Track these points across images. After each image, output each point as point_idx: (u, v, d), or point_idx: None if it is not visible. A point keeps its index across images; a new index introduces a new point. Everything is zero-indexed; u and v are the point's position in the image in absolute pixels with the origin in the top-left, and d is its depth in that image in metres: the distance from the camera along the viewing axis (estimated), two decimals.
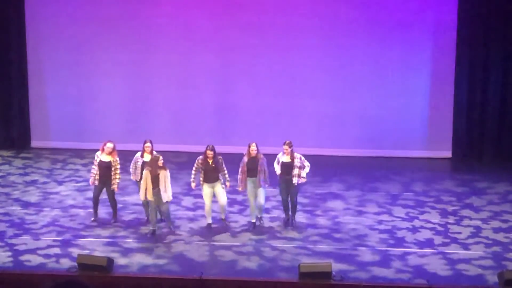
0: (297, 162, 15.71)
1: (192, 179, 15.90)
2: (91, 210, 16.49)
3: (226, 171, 15.78)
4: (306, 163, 15.78)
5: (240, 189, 15.83)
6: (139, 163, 15.98)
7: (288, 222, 16.09)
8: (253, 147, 15.58)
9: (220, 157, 15.78)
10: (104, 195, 16.14)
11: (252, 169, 15.50)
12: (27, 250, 14.68)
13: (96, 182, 16.04)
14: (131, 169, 16.21)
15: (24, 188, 18.32)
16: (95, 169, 16.05)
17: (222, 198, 15.72)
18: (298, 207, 16.30)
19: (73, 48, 21.40)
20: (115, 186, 15.99)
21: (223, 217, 15.96)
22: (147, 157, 16.01)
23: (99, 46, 21.31)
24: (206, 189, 15.66)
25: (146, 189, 15.25)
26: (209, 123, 21.46)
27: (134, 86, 21.50)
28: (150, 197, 15.21)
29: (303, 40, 21.11)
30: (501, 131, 20.88)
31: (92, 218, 16.25)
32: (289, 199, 15.93)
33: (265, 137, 19.90)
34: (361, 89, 21.18)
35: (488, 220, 16.59)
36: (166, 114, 21.45)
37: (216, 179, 15.64)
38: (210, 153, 15.57)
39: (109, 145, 16.01)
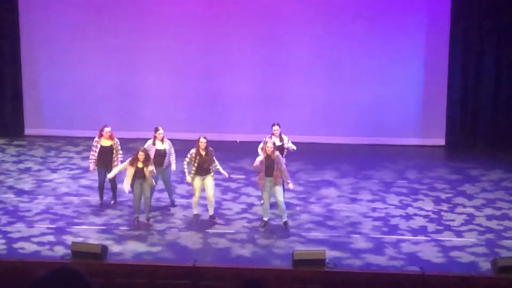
0: (285, 144, 16.05)
1: (187, 174, 15.50)
2: (87, 197, 16.68)
3: (217, 162, 15.55)
4: (291, 144, 16.05)
5: (259, 182, 15.21)
6: (152, 151, 15.95)
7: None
8: (270, 145, 15.03)
9: (211, 148, 15.59)
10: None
11: (269, 167, 14.99)
12: (20, 238, 14.68)
13: (97, 168, 16.24)
14: None
15: (18, 176, 18.30)
16: (94, 155, 16.19)
17: (211, 191, 15.42)
18: (292, 193, 16.31)
19: (66, 35, 21.35)
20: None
21: (211, 212, 15.64)
22: (159, 144, 16.09)
23: (92, 33, 21.26)
24: (197, 181, 15.39)
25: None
26: (202, 111, 21.43)
27: (128, 73, 21.45)
28: (128, 188, 15.28)
29: (296, 28, 21.07)
30: (494, 119, 20.90)
31: (100, 202, 16.47)
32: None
33: (258, 125, 19.92)
34: (355, 77, 21.16)
35: (481, 208, 16.62)
36: (159, 101, 21.41)
37: (208, 171, 15.37)
38: (203, 142, 15.32)
39: (107, 129, 16.21)
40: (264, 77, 21.30)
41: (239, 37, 21.18)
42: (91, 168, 16.42)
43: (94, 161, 16.21)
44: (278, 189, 15.03)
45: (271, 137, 15.87)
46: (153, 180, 15.34)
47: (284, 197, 15.37)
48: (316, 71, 21.21)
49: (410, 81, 21.16)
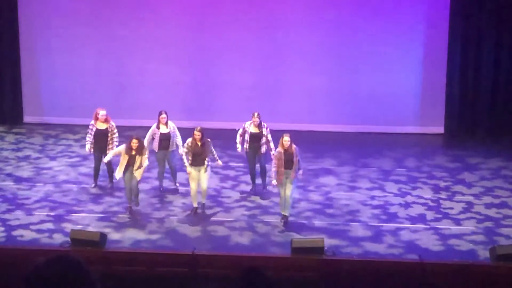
0: (264, 132, 16.20)
1: (186, 164, 15.41)
2: (86, 185, 16.75)
3: (215, 152, 15.54)
4: (270, 137, 16.21)
5: (275, 183, 14.89)
6: (157, 135, 16.16)
7: (255, 191, 16.43)
8: (287, 138, 14.84)
9: (209, 139, 15.48)
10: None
11: (288, 162, 14.80)
12: (19, 225, 14.69)
13: (93, 151, 16.35)
14: (146, 141, 16.01)
15: (17, 163, 18.29)
16: (90, 137, 16.34)
17: (205, 183, 15.29)
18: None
19: (65, 23, 21.29)
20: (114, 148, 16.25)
21: (203, 201, 15.50)
22: (163, 128, 16.18)
23: (91, 21, 21.21)
24: (193, 172, 15.31)
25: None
26: (200, 98, 21.40)
27: (126, 61, 21.42)
28: (120, 175, 15.21)
29: (296, 16, 21.03)
30: (493, 106, 20.88)
31: (93, 185, 16.65)
32: (258, 166, 16.38)
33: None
34: (354, 65, 21.13)
35: (480, 196, 16.63)
36: (158, 89, 21.37)
37: (203, 162, 15.24)
38: (197, 134, 15.21)
39: (103, 112, 16.37)
40: (263, 65, 21.26)
41: (237, 25, 21.13)
42: (87, 149, 16.52)
43: (91, 143, 16.33)
44: (291, 183, 14.90)
45: (250, 125, 16.27)
46: (141, 172, 15.20)
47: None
48: (315, 59, 21.17)
49: (409, 69, 21.12)
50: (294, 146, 14.88)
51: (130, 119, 20.38)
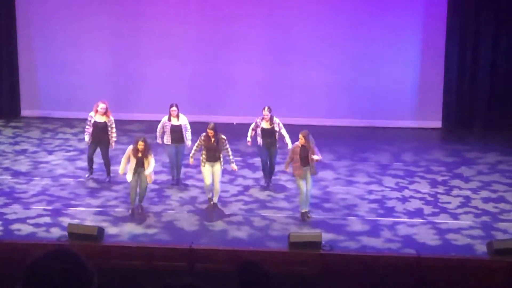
0: (276, 127, 16.19)
1: (191, 154, 15.60)
2: (83, 179, 16.75)
3: (230, 152, 15.50)
4: (283, 131, 16.16)
5: (286, 168, 15.43)
6: (168, 127, 16.29)
7: (267, 186, 16.50)
8: (302, 136, 14.90)
9: (224, 136, 15.39)
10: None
11: (304, 158, 14.89)
12: (17, 219, 14.69)
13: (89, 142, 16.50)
14: (158, 133, 16.34)
15: (14, 157, 18.28)
16: (89, 128, 16.39)
17: (217, 179, 15.25)
18: (289, 175, 16.33)
19: (63, 16, 21.25)
20: (113, 145, 16.48)
21: (215, 200, 15.39)
22: (174, 121, 16.28)
23: (89, 14, 21.16)
24: (207, 168, 15.27)
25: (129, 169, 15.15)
26: (200, 93, 21.36)
27: (124, 55, 21.38)
28: (124, 173, 15.16)
29: (296, 11, 20.99)
30: (491, 101, 20.87)
31: (87, 175, 16.77)
32: (268, 162, 16.39)
33: (256, 107, 19.83)
34: (352, 59, 21.12)
35: (477, 190, 16.64)
36: (158, 83, 21.34)
37: (217, 158, 15.26)
38: (210, 132, 15.22)
39: (103, 105, 16.41)
40: (263, 60, 21.23)
41: (239, 19, 21.09)
42: (86, 139, 16.56)
43: (89, 134, 16.40)
44: (310, 178, 15.01)
45: (262, 120, 16.21)
46: (151, 176, 15.17)
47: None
48: (314, 54, 21.15)
49: (407, 63, 21.11)
50: (311, 140, 14.92)
51: (128, 113, 20.37)
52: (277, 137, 16.27)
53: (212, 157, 15.25)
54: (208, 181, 15.31)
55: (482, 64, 20.66)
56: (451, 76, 20.78)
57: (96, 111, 16.44)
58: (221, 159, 15.34)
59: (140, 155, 14.98)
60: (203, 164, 15.31)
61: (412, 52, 21.08)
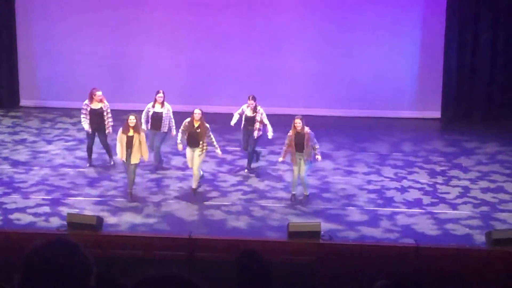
0: (258, 117, 16.39)
1: (178, 141, 15.81)
2: (82, 169, 16.82)
3: (213, 139, 15.54)
4: (266, 120, 16.39)
5: (280, 159, 15.74)
6: (150, 113, 16.38)
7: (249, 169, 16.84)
8: (298, 121, 15.09)
9: (207, 125, 15.47)
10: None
11: (298, 144, 15.05)
12: (16, 209, 14.70)
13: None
14: (142, 119, 16.32)
15: (13, 147, 18.28)
16: (86, 117, 16.55)
17: (196, 165, 15.38)
18: (287, 165, 16.34)
19: (62, 5, 21.22)
20: (110, 130, 16.59)
21: (193, 186, 15.58)
22: (158, 107, 16.37)
23: (87, 4, 21.14)
24: (188, 153, 15.57)
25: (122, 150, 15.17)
26: (197, 82, 21.36)
27: (123, 45, 21.35)
28: (124, 158, 15.16)
29: (292, 1, 20.99)
30: (490, 91, 20.87)
31: (88, 164, 16.90)
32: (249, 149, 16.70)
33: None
34: (351, 49, 21.10)
35: (476, 180, 16.65)
36: (155, 73, 21.32)
37: (197, 144, 15.33)
38: (196, 112, 15.34)
39: (99, 93, 16.57)
40: (260, 49, 21.21)
41: (234, 9, 21.07)
42: (86, 127, 16.62)
43: (87, 121, 16.47)
44: (303, 165, 15.12)
45: (247, 107, 16.54)
46: (146, 152, 15.19)
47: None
48: (312, 43, 21.13)
49: (406, 53, 21.09)
50: (307, 130, 15.08)
51: (127, 102, 20.34)
52: (259, 127, 16.37)
53: (193, 142, 15.43)
54: (190, 164, 15.60)
55: (482, 54, 20.65)
56: (450, 67, 20.76)
57: (92, 99, 16.52)
58: (204, 146, 15.36)
59: (131, 132, 14.94)
60: (179, 146, 15.81)
61: (411, 42, 21.06)
